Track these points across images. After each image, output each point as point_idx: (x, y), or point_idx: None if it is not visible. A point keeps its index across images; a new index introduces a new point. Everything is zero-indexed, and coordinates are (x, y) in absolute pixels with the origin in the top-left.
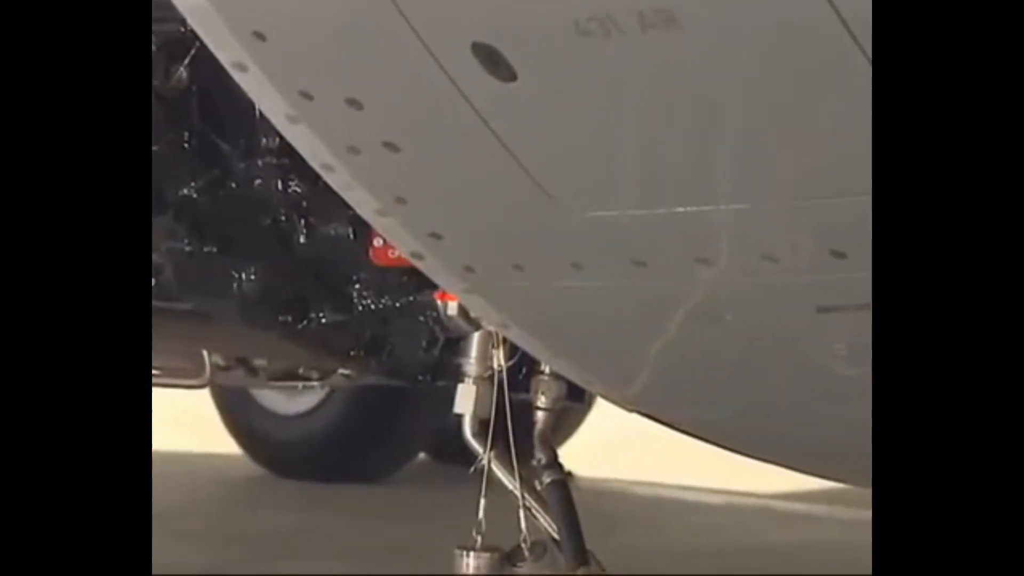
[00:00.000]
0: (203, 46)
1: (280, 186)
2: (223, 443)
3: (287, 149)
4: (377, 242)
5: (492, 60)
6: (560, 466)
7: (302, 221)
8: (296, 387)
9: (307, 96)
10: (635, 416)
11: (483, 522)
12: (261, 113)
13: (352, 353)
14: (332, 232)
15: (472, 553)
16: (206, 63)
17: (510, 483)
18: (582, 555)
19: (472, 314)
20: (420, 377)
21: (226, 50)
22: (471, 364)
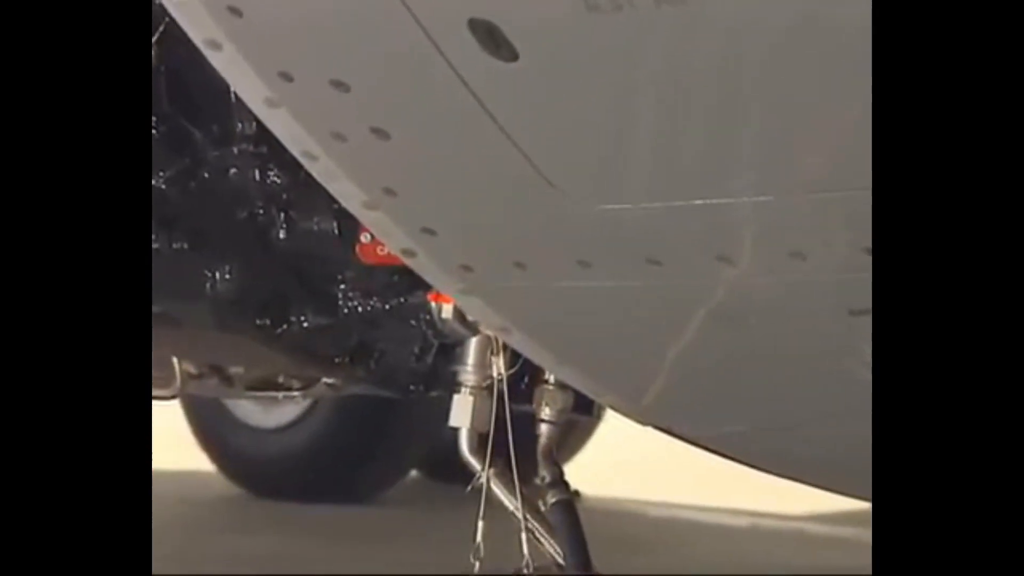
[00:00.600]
0: (173, 22)
1: (257, 176)
2: (194, 459)
3: (265, 136)
4: (364, 238)
5: (491, 38)
6: (566, 485)
7: (282, 215)
8: (275, 398)
9: (287, 77)
10: (649, 430)
11: (481, 546)
12: (237, 96)
13: (337, 360)
14: (315, 227)
15: None
16: (176, 41)
17: (511, 503)
18: None
19: (469, 317)
20: (412, 387)
21: (198, 26)
22: (468, 372)
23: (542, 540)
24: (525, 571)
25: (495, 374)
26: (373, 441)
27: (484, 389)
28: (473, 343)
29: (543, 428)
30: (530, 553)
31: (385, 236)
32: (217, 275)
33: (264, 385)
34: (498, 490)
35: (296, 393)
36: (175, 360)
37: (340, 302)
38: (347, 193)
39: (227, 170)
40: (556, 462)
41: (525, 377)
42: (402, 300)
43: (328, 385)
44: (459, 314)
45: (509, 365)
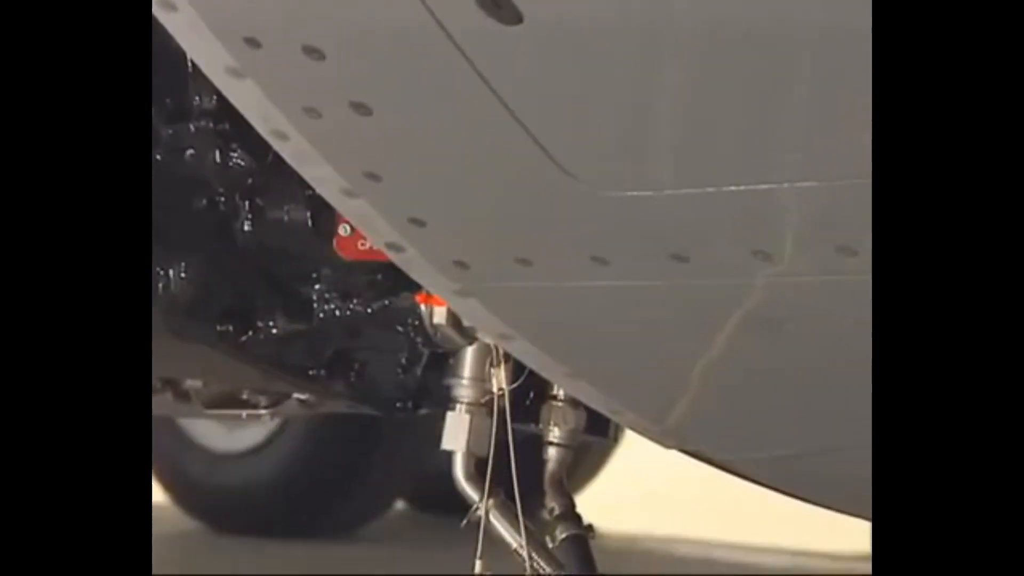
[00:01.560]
0: None
1: (218, 158)
2: None
3: (227, 111)
4: (343, 230)
5: None
6: (578, 518)
7: (246, 204)
8: (239, 416)
9: (254, 43)
10: (674, 454)
11: None
12: (194, 65)
13: (311, 373)
14: (285, 218)
15: None
16: None
17: (514, 539)
18: None
19: (465, 322)
20: (398, 403)
21: None
22: (464, 387)
23: None
24: None
25: (495, 389)
26: (353, 467)
27: (482, 406)
28: (469, 353)
29: (551, 452)
30: None
31: (367, 228)
32: (171, 274)
33: (226, 402)
34: (499, 524)
35: (263, 411)
36: None
37: (315, 305)
38: (323, 178)
39: (182, 151)
40: (567, 491)
41: (530, 392)
42: (387, 302)
43: (301, 402)
44: (453, 319)
45: (511, 378)
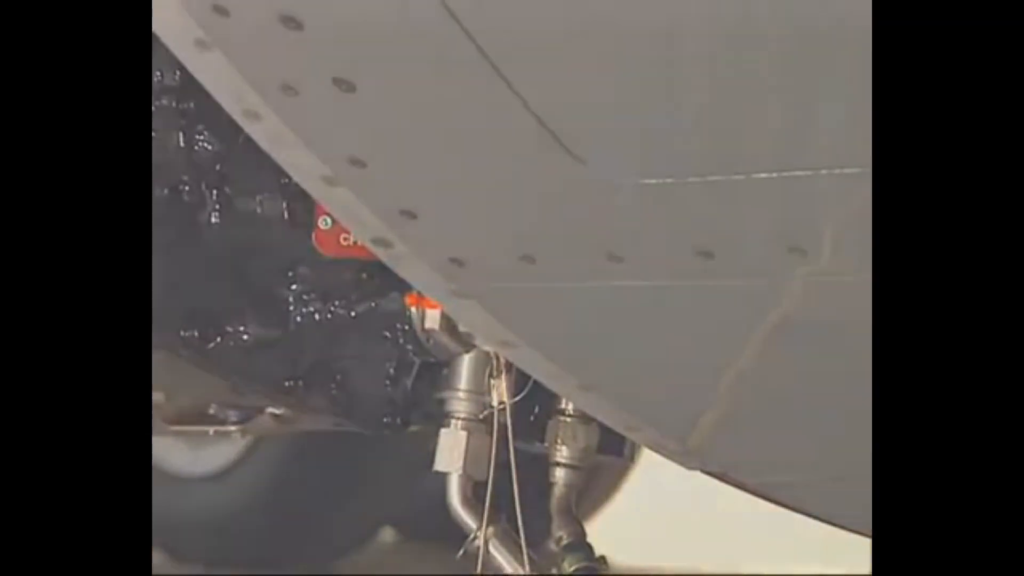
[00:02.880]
0: None
1: (182, 141)
2: None
3: (193, 88)
4: (323, 223)
5: None
6: (589, 548)
7: (214, 192)
8: (205, 434)
9: (222, 12)
10: (698, 476)
11: None
12: (156, 37)
13: (287, 384)
14: (257, 208)
15: None
16: None
17: (516, 572)
18: None
19: (461, 327)
20: (385, 419)
21: None
22: (460, 400)
23: None
24: None
25: (495, 402)
26: (334, 491)
27: (481, 422)
28: (466, 362)
29: (559, 474)
30: None
31: (351, 220)
32: None
33: (191, 418)
34: (499, 555)
35: (233, 428)
36: None
37: (291, 308)
38: (301, 164)
39: None
40: (576, 518)
41: (535, 407)
42: (373, 305)
43: (275, 417)
44: (448, 323)
45: (514, 391)
